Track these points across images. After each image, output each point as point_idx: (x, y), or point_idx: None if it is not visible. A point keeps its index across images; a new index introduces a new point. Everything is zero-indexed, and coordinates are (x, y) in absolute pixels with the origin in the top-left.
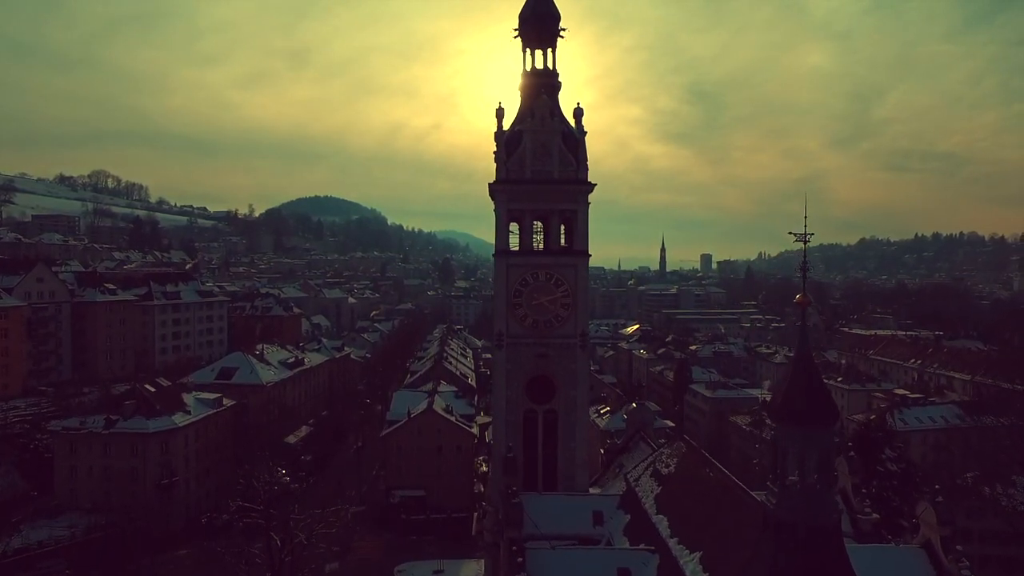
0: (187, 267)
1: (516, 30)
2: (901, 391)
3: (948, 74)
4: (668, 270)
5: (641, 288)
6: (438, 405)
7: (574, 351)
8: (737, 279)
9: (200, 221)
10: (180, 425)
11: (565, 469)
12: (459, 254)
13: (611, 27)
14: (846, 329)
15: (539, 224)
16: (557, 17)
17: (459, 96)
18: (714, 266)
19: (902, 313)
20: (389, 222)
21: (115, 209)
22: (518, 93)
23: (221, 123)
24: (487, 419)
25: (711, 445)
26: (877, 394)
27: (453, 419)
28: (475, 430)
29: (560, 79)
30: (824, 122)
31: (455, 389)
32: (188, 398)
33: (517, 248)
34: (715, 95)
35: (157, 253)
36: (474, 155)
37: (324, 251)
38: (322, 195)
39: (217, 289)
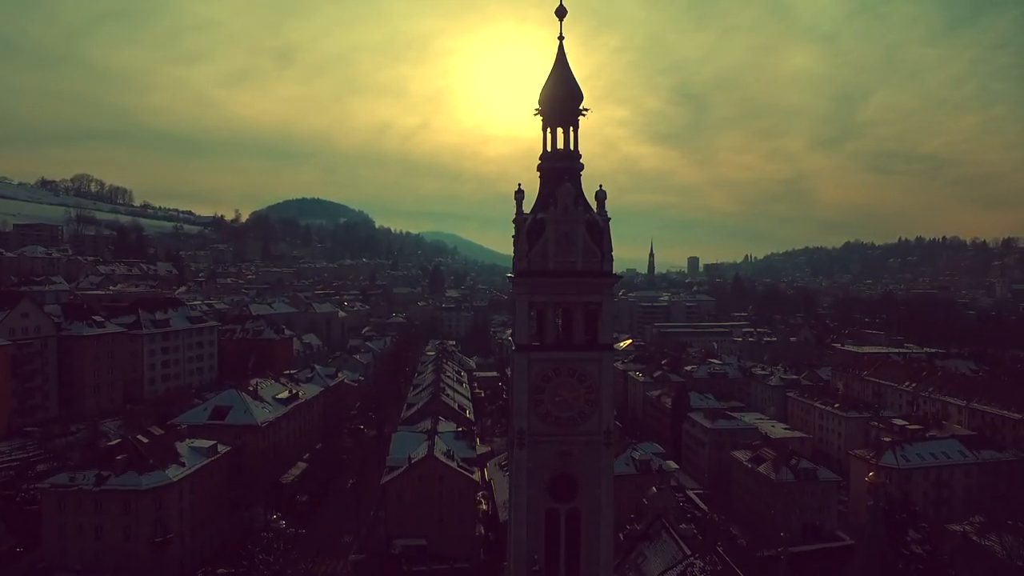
0: (176, 291)
1: (537, 110)
2: (900, 421)
3: (931, 77)
4: (656, 273)
5: (631, 297)
6: (439, 449)
7: (599, 449)
8: (725, 284)
9: (186, 227)
10: (174, 480)
11: (588, 571)
12: (447, 257)
13: (599, 28)
14: (838, 345)
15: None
16: (580, 97)
17: (447, 96)
18: (701, 268)
19: (892, 327)
20: (377, 225)
21: (99, 215)
22: (536, 170)
23: (206, 122)
24: (485, 448)
25: (712, 480)
26: (875, 423)
27: (455, 465)
28: (476, 476)
29: (583, 159)
30: (809, 123)
31: (455, 428)
32: (182, 447)
33: (537, 341)
34: (702, 96)
35: (143, 265)
36: (461, 155)
37: (312, 258)
38: (309, 197)
39: (206, 307)
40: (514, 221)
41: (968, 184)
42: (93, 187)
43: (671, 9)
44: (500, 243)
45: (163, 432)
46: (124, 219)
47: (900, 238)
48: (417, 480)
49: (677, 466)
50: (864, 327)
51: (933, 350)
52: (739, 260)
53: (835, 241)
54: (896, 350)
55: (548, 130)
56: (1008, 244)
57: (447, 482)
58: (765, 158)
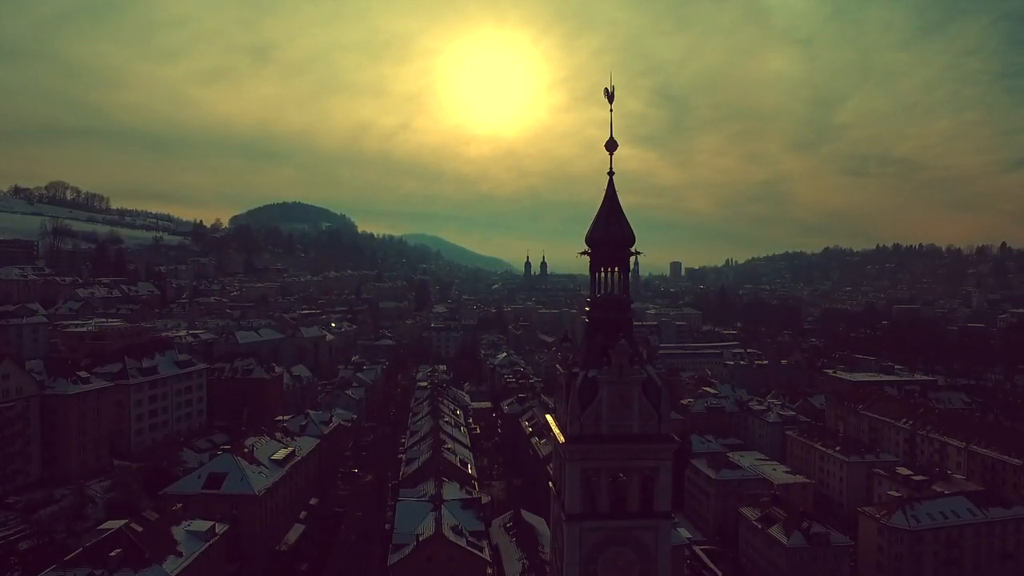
0: (159, 318)
1: (584, 251)
2: (903, 471)
3: (903, 81)
4: (640, 279)
5: None
6: (446, 523)
7: None
8: (710, 293)
9: (166, 237)
10: (172, 575)
11: None
12: (431, 263)
13: (579, 29)
14: (829, 371)
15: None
16: (632, 239)
17: (428, 95)
18: (683, 273)
19: (880, 348)
20: (359, 230)
21: (75, 226)
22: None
23: (182, 120)
24: (485, 497)
25: (718, 534)
26: (878, 470)
27: (464, 543)
28: (486, 553)
29: (633, 305)
30: (786, 126)
31: (460, 494)
32: (178, 533)
33: (587, 507)
34: (681, 98)
35: (123, 287)
36: (442, 155)
37: (296, 269)
38: (290, 201)
39: (191, 338)
40: (560, 373)
41: (939, 186)
42: (69, 194)
43: (650, 12)
44: (482, 245)
45: (157, 516)
46: (101, 229)
47: (877, 244)
48: (426, 561)
49: (689, 536)
50: (852, 346)
51: (924, 378)
52: (720, 264)
53: (813, 245)
54: (888, 378)
55: (597, 273)
56: (982, 252)
57: (457, 562)
58: (743, 160)
